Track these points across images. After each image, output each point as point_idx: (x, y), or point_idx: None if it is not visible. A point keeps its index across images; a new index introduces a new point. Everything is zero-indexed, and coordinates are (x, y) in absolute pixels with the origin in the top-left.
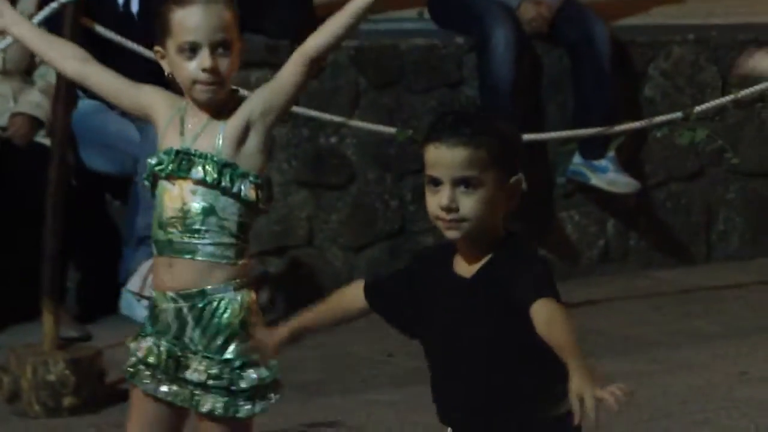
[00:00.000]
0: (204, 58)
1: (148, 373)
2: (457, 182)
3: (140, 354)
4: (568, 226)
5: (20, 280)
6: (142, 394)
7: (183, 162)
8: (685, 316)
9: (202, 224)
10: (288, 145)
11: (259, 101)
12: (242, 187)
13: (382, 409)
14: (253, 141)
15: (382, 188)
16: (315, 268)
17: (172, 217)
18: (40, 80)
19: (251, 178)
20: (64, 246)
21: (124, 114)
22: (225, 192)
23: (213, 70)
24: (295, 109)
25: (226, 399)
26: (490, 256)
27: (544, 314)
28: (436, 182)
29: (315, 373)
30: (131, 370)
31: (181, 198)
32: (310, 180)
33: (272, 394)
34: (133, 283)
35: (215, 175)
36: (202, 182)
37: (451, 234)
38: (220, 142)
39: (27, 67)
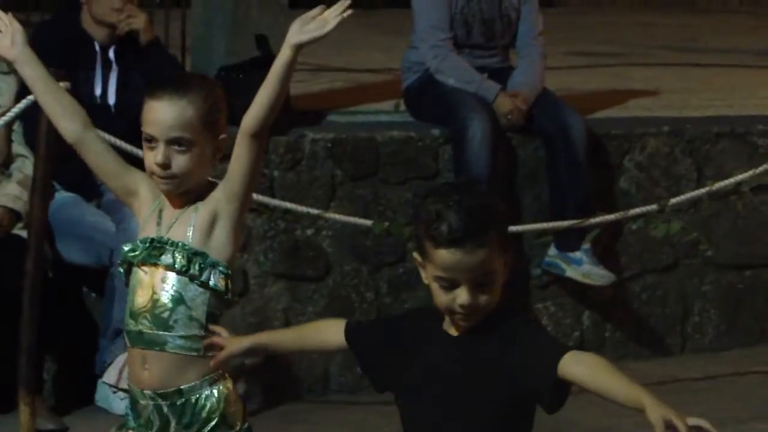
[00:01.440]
0: (157, 153)
1: None
2: (476, 282)
3: None
4: (543, 317)
5: None
6: None
7: (155, 249)
8: None
9: (171, 314)
10: (264, 237)
11: (221, 190)
12: (211, 276)
13: None
14: (222, 231)
15: (358, 280)
16: (291, 359)
17: (143, 308)
18: (17, 173)
19: (221, 268)
20: (41, 338)
21: (100, 206)
22: (193, 279)
23: (163, 166)
24: (272, 201)
25: None
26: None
27: (586, 361)
28: (452, 283)
29: None
30: None
31: (152, 286)
32: (286, 272)
33: None
34: (110, 375)
35: (184, 263)
36: (171, 268)
37: (464, 324)
38: (191, 231)
39: (3, 160)
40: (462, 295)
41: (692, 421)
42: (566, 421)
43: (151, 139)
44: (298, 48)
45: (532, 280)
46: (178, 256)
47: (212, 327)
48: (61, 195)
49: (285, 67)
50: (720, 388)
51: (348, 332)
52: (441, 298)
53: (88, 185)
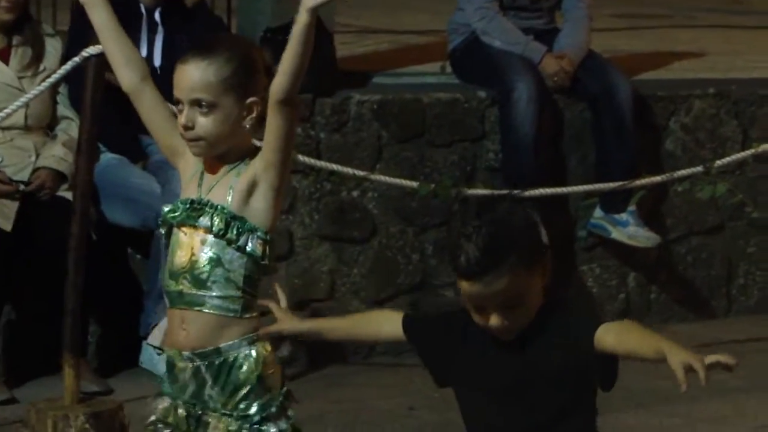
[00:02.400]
0: (182, 115)
1: (167, 431)
2: (502, 306)
3: (158, 414)
4: (589, 279)
5: (41, 334)
6: None
7: (194, 211)
8: None
9: (210, 275)
10: (310, 198)
11: (259, 158)
12: (249, 242)
13: None
14: (261, 197)
15: (404, 242)
16: None
17: (182, 268)
18: (62, 134)
19: (259, 234)
20: (86, 300)
21: (145, 168)
22: (230, 244)
23: (185, 127)
24: (318, 162)
25: None
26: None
27: (614, 329)
28: (483, 309)
29: (337, 426)
30: (151, 428)
31: (191, 248)
32: (332, 234)
33: None
34: (154, 337)
35: (222, 226)
36: (209, 231)
37: (507, 338)
38: (231, 195)
39: (49, 122)
40: (493, 319)
41: (711, 359)
42: (616, 386)
43: (178, 102)
44: (314, 11)
45: (577, 242)
46: (216, 220)
47: (277, 290)
48: (107, 157)
49: (303, 31)
50: (765, 350)
51: (406, 326)
52: (476, 318)
53: (133, 147)
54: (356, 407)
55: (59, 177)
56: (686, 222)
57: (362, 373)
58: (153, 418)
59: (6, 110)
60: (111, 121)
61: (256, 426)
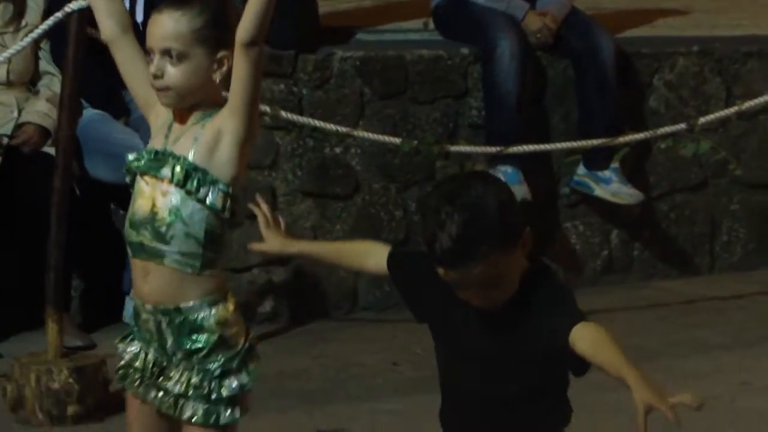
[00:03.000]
0: (152, 64)
1: (137, 376)
2: (482, 286)
3: (126, 358)
4: (572, 236)
5: (24, 289)
6: (134, 398)
7: (157, 161)
8: (689, 326)
9: (168, 229)
10: (293, 155)
11: (226, 106)
12: (209, 194)
13: (387, 418)
14: (225, 149)
15: (387, 198)
16: (319, 277)
17: (143, 218)
18: (45, 90)
19: (221, 186)
20: (68, 255)
21: (128, 124)
22: (190, 195)
23: (155, 76)
24: (300, 119)
25: (206, 407)
26: (518, 290)
27: (588, 337)
28: (462, 292)
29: (319, 382)
30: (121, 372)
31: (152, 198)
32: (314, 190)
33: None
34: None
35: (181, 177)
36: (170, 182)
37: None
38: (195, 146)
39: (31, 77)
40: (474, 300)
41: (675, 400)
42: None
43: (150, 52)
44: None
45: (560, 199)
46: (177, 169)
47: (260, 202)
48: (89, 112)
49: None
50: (748, 306)
51: (390, 262)
52: (458, 293)
53: (116, 103)
54: (339, 363)
55: (43, 132)
56: (669, 179)
57: (345, 328)
58: (122, 362)
59: None
60: (93, 76)
61: (217, 380)
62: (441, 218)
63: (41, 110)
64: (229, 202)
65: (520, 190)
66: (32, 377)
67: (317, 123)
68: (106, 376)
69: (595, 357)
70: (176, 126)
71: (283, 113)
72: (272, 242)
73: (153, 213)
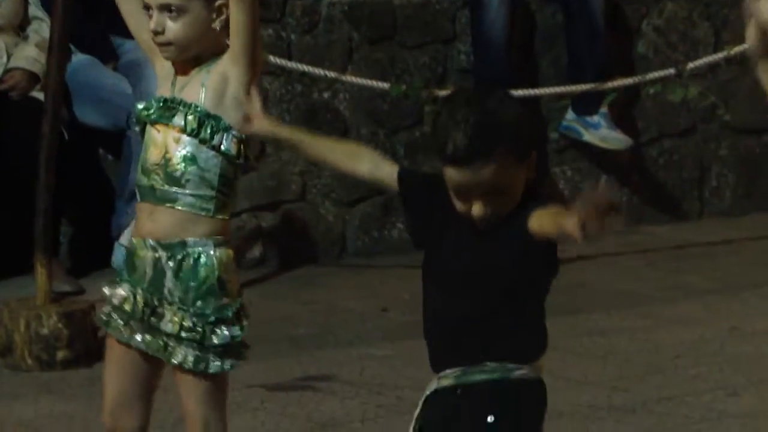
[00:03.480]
0: (151, 20)
1: (121, 321)
2: (488, 194)
3: (115, 301)
4: (560, 181)
5: (13, 235)
6: (116, 343)
7: (167, 110)
8: (678, 271)
9: (183, 173)
10: (281, 100)
11: (227, 53)
12: (223, 140)
13: (376, 363)
14: (233, 93)
15: (375, 143)
16: (308, 222)
17: (155, 164)
18: (34, 35)
19: (234, 132)
20: (57, 200)
21: (117, 69)
22: (204, 143)
23: (155, 32)
24: (288, 64)
25: (197, 353)
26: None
27: (535, 215)
28: (467, 197)
29: (308, 327)
30: (104, 318)
31: (165, 145)
32: None
33: (243, 353)
34: (126, 237)
35: (194, 126)
36: (182, 131)
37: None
38: (203, 93)
39: (20, 22)
40: (476, 208)
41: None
42: (585, 286)
43: (148, 8)
44: None
45: (549, 144)
46: (190, 118)
47: (251, 94)
48: (78, 57)
49: None
50: (737, 252)
51: (402, 176)
52: (459, 206)
53: (104, 47)
54: (328, 308)
55: (32, 77)
56: (658, 124)
57: (334, 274)
58: (108, 308)
59: None
60: (82, 21)
61: (210, 325)
62: (456, 119)
63: (30, 55)
64: (242, 147)
65: None
66: (21, 322)
67: (306, 68)
68: (94, 321)
69: (541, 228)
70: (181, 71)
71: (272, 58)
72: (263, 122)
73: (166, 159)
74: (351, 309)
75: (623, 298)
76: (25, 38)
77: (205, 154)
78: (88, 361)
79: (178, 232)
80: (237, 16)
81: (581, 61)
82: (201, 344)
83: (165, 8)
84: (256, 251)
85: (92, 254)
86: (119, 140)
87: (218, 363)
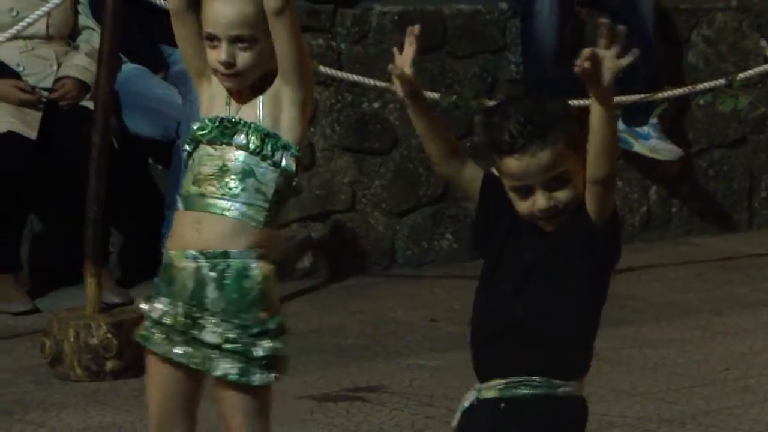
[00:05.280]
0: (220, 52)
1: (161, 335)
2: (549, 184)
3: (154, 315)
4: None
5: (63, 245)
6: (156, 359)
7: (227, 129)
8: (727, 283)
9: (240, 183)
10: (331, 110)
11: (279, 73)
12: (284, 158)
13: (425, 373)
14: (288, 112)
15: (425, 154)
16: (357, 233)
17: (210, 175)
18: (85, 44)
19: (293, 151)
20: (107, 210)
21: (166, 78)
22: (265, 159)
23: (226, 65)
24: (338, 74)
25: (241, 365)
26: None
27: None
28: (527, 189)
29: (357, 337)
30: (144, 333)
31: (222, 159)
32: (353, 145)
33: (285, 366)
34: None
35: (258, 143)
36: (244, 148)
37: (551, 225)
38: (261, 112)
39: (70, 32)
40: (539, 200)
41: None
42: (634, 297)
43: (213, 38)
44: None
45: None
46: (252, 137)
47: (406, 46)
48: (128, 67)
49: None
50: None
51: (486, 179)
52: (521, 206)
53: (154, 57)
54: (377, 319)
55: (82, 86)
56: (708, 135)
57: (383, 284)
58: (147, 323)
59: (27, 19)
60: (132, 31)
61: (254, 338)
62: (507, 114)
63: (80, 64)
64: (299, 166)
65: None
66: (71, 332)
67: (356, 78)
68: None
69: (591, 140)
70: (236, 91)
71: (322, 68)
72: (407, 71)
73: (224, 170)
74: (400, 319)
75: (672, 309)
76: (76, 47)
77: (263, 169)
78: (137, 371)
79: (223, 242)
80: (280, 37)
81: (631, 71)
82: (244, 356)
83: (237, 40)
84: (305, 261)
85: (142, 264)
86: (169, 150)
87: (262, 375)
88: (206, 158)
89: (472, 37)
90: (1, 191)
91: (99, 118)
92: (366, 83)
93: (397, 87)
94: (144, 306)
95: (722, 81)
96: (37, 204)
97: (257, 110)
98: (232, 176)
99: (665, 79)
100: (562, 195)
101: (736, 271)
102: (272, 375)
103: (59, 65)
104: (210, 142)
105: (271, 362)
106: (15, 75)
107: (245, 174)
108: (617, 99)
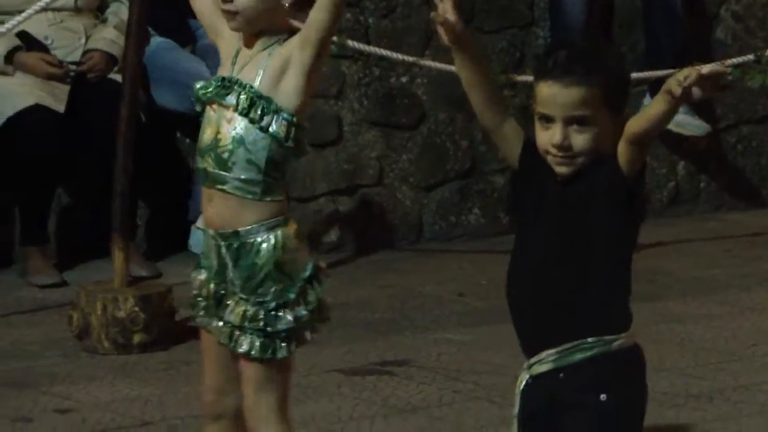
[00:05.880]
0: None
1: (204, 305)
2: (570, 121)
3: (197, 285)
4: None
5: (91, 218)
6: (201, 326)
7: (224, 89)
8: (756, 258)
9: (231, 156)
10: (359, 84)
11: (298, 36)
12: (273, 122)
13: (453, 348)
14: (292, 78)
15: (453, 128)
16: (385, 207)
17: (208, 146)
18: (113, 17)
19: (284, 115)
20: (134, 183)
21: (194, 51)
22: (253, 123)
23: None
24: (367, 48)
25: (262, 340)
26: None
27: (629, 122)
28: (549, 119)
29: (385, 312)
30: (192, 302)
31: (217, 125)
32: (380, 119)
33: (309, 333)
34: (202, 221)
35: (246, 105)
36: (234, 109)
37: (563, 170)
38: (260, 75)
39: (99, 4)
40: (555, 133)
41: (706, 69)
42: (663, 272)
43: None
44: None
45: None
46: (242, 98)
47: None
48: (156, 40)
49: None
50: None
51: (527, 143)
52: (540, 138)
53: (183, 30)
54: (405, 293)
55: (110, 59)
56: (736, 111)
57: (411, 259)
58: (195, 291)
59: None
60: (159, 4)
61: (272, 312)
62: (568, 44)
63: (108, 37)
64: (293, 131)
65: None
66: (98, 305)
67: (384, 52)
68: (171, 304)
69: (637, 127)
70: (243, 52)
71: (350, 42)
72: (452, 14)
73: (216, 140)
74: (428, 294)
75: (700, 285)
76: (104, 20)
77: (254, 135)
78: (165, 344)
79: (231, 221)
80: (320, 15)
81: (659, 46)
82: (265, 331)
83: None
84: (333, 235)
85: (169, 238)
86: (196, 123)
87: (286, 347)
88: (206, 123)
89: (500, 12)
90: (29, 165)
91: (127, 92)
92: (394, 57)
93: (441, 33)
94: (192, 274)
95: (751, 56)
96: (64, 177)
97: (258, 69)
98: (224, 148)
99: (693, 54)
100: (578, 138)
101: (764, 247)
102: (294, 345)
103: (87, 38)
104: (209, 102)
105: (292, 334)
106: (43, 48)
107: (236, 143)
108: (645, 74)
